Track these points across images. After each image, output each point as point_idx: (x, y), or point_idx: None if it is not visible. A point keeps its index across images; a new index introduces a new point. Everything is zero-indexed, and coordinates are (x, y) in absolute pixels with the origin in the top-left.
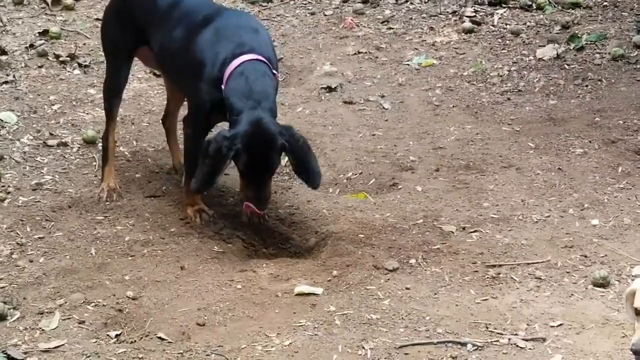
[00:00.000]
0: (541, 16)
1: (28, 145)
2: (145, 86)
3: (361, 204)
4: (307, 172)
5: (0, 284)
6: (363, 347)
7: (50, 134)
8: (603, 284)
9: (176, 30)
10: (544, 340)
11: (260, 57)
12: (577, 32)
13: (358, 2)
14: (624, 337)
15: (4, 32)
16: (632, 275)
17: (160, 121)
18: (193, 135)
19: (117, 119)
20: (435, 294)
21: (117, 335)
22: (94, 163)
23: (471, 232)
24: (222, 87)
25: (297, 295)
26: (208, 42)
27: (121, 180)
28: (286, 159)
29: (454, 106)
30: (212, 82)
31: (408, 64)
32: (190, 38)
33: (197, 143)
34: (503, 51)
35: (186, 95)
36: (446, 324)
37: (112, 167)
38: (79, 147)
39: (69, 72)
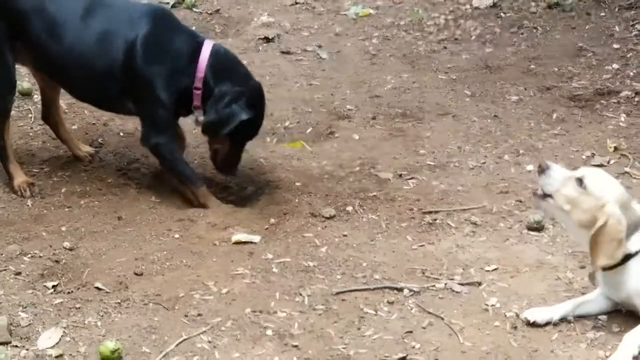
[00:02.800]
0: None
1: None
2: None
3: (298, 152)
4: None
5: None
6: (300, 294)
7: None
8: (537, 227)
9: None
10: (480, 284)
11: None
12: None
13: None
14: (557, 279)
15: None
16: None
17: (42, 120)
18: (165, 143)
19: None
20: (372, 240)
21: (54, 286)
22: (30, 115)
23: (408, 179)
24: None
25: (234, 243)
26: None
27: None
28: None
29: (390, 55)
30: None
31: (345, 14)
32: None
33: (173, 147)
34: (440, 0)
35: (137, 110)
36: (383, 270)
37: (15, 163)
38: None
39: None
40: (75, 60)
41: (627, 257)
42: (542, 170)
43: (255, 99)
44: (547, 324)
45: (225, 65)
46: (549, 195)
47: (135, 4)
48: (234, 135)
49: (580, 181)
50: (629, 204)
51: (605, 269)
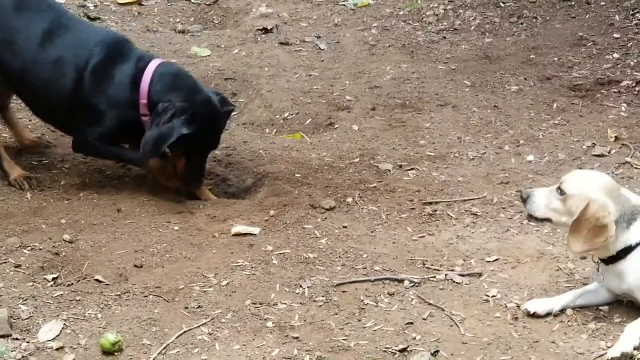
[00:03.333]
0: None
1: None
2: None
3: (298, 144)
4: None
5: None
6: (301, 286)
7: None
8: None
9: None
10: (480, 275)
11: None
12: None
13: None
14: (558, 270)
15: None
16: None
17: None
18: (98, 145)
19: None
20: (373, 232)
21: (54, 279)
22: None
23: (408, 170)
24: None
25: (234, 235)
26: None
27: None
28: None
29: (390, 46)
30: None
31: (344, 5)
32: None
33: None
34: None
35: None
36: (383, 261)
37: (9, 160)
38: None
39: None
40: (30, 80)
41: (628, 250)
42: (524, 200)
43: (199, 113)
44: (548, 315)
45: (170, 84)
46: (546, 219)
47: (92, 30)
48: (183, 151)
49: (560, 190)
50: (617, 192)
51: (607, 262)
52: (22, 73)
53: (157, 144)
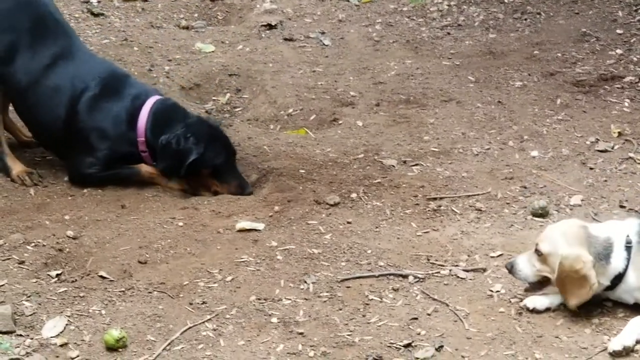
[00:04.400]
0: None
1: None
2: (82, 25)
3: (302, 139)
4: None
5: None
6: (305, 282)
7: None
8: (542, 214)
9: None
10: (484, 270)
11: None
12: None
13: None
14: None
15: None
16: (571, 205)
17: None
18: (93, 173)
19: None
20: (377, 227)
21: (57, 275)
22: None
23: (412, 165)
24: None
25: (239, 231)
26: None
27: None
28: None
29: (394, 41)
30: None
31: (348, 1)
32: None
33: (101, 170)
34: None
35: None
36: (388, 257)
37: (12, 155)
38: None
39: None
40: (31, 105)
41: (620, 277)
42: (510, 271)
43: (198, 133)
44: (547, 310)
45: (165, 119)
46: (541, 282)
47: (94, 62)
48: (210, 170)
49: (537, 251)
50: (586, 236)
51: (607, 290)
52: (24, 91)
53: (175, 169)
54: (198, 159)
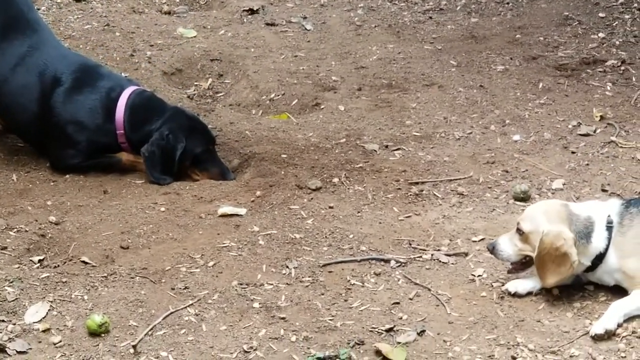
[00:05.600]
0: None
1: None
2: (65, 11)
3: (284, 124)
4: None
5: None
6: (287, 267)
7: None
8: (524, 197)
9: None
10: (466, 255)
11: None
12: None
13: None
14: None
15: None
16: (553, 189)
17: None
18: (77, 163)
19: None
20: (359, 212)
21: (40, 260)
22: None
23: (394, 150)
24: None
25: (220, 216)
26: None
27: None
28: None
29: (376, 26)
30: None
31: None
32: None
33: (84, 159)
34: None
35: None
36: (370, 241)
37: None
38: None
39: None
40: (6, 104)
41: (601, 257)
42: (491, 252)
43: (177, 127)
44: (529, 294)
45: (142, 111)
46: (524, 262)
47: (65, 56)
48: (190, 161)
49: (518, 230)
50: (567, 215)
51: (587, 271)
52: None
53: (166, 166)
54: (180, 153)
